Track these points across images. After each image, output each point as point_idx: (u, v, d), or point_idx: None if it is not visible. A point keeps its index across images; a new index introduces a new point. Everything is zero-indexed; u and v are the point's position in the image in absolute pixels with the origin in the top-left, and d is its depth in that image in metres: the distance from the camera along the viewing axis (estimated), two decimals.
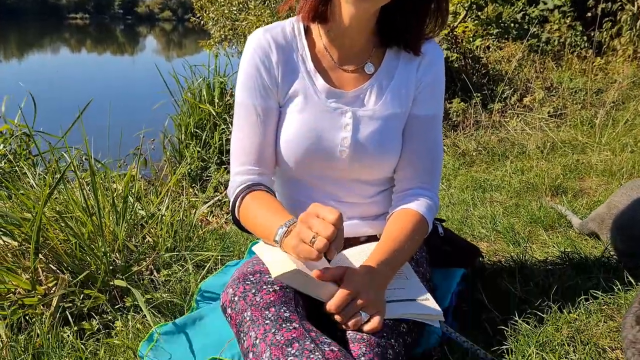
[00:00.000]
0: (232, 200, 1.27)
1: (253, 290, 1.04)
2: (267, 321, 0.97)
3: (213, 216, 3.05)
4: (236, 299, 1.03)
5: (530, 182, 2.45)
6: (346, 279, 1.07)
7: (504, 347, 1.23)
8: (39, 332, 1.35)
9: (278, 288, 1.05)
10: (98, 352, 1.31)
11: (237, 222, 1.28)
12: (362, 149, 1.24)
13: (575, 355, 1.18)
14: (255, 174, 1.28)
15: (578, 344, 1.22)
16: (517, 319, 1.31)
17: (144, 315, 1.48)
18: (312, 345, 0.91)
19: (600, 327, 1.27)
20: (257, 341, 0.94)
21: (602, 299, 1.39)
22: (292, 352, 0.90)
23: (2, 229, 1.61)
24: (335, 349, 0.92)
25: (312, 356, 0.89)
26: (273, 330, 0.95)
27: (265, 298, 1.02)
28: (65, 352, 1.30)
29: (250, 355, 0.94)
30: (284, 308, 1.00)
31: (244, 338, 0.98)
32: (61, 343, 1.35)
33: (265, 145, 1.26)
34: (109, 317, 1.50)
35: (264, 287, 1.04)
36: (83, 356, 1.27)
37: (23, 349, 1.31)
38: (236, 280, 1.07)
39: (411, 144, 1.29)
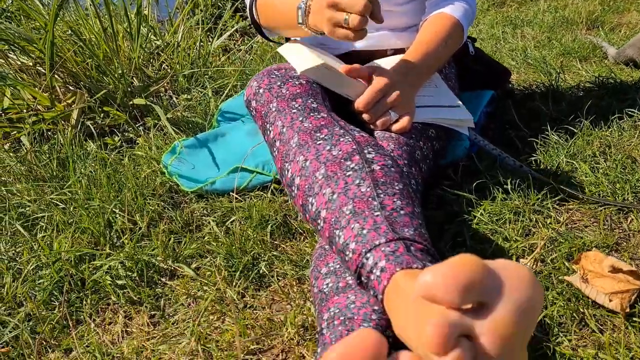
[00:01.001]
0: (248, 4, 1.19)
1: (278, 83, 0.99)
2: (294, 110, 0.93)
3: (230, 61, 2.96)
4: (261, 91, 0.99)
5: (565, 17, 2.30)
6: (376, 77, 1.02)
7: (532, 157, 1.20)
8: (62, 141, 1.34)
9: (304, 82, 1.00)
10: (122, 161, 1.31)
11: (258, 28, 1.21)
12: None
13: (606, 164, 1.15)
14: None
15: (609, 156, 1.19)
16: (547, 133, 1.27)
17: (165, 133, 1.47)
18: (342, 131, 0.88)
19: (633, 141, 1.24)
20: (284, 129, 0.92)
21: (637, 117, 1.33)
22: (321, 136, 0.87)
23: (15, 46, 1.56)
24: (366, 135, 0.89)
25: (342, 139, 0.86)
26: (300, 119, 0.92)
27: (291, 90, 0.98)
28: (89, 160, 1.30)
29: (277, 143, 0.92)
30: (311, 99, 0.96)
31: (270, 129, 0.95)
32: (85, 152, 1.35)
33: None
34: (131, 135, 1.49)
35: (290, 80, 1.00)
36: (107, 161, 1.27)
37: (47, 157, 1.31)
38: (260, 75, 1.02)
39: None
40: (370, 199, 0.77)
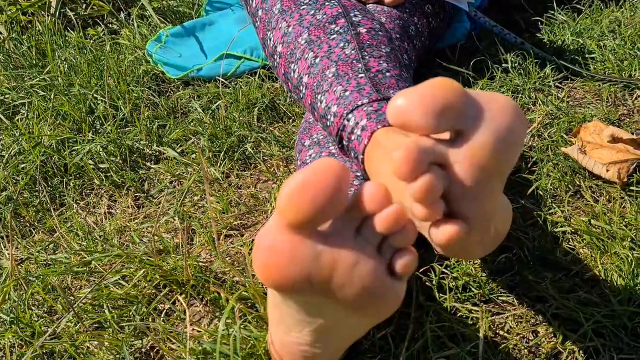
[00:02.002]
0: None
1: None
2: None
3: None
4: None
5: None
6: None
7: (537, 37, 1.13)
8: (41, 29, 1.28)
9: None
10: (104, 49, 1.25)
11: None
12: None
13: (614, 42, 1.08)
14: None
15: (618, 34, 1.11)
16: (553, 13, 1.19)
17: (151, 23, 1.39)
18: None
19: None
20: None
21: None
22: (305, 1, 0.80)
23: None
24: (353, 0, 0.82)
25: (327, 4, 0.79)
26: None
27: None
28: (70, 49, 1.25)
29: (260, 12, 0.86)
30: None
31: None
32: (66, 41, 1.29)
33: None
34: (115, 27, 1.42)
35: None
36: (87, 46, 1.21)
37: (26, 46, 1.25)
38: None
39: None
40: (354, 61, 0.71)
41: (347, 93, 0.68)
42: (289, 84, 0.78)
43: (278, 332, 0.55)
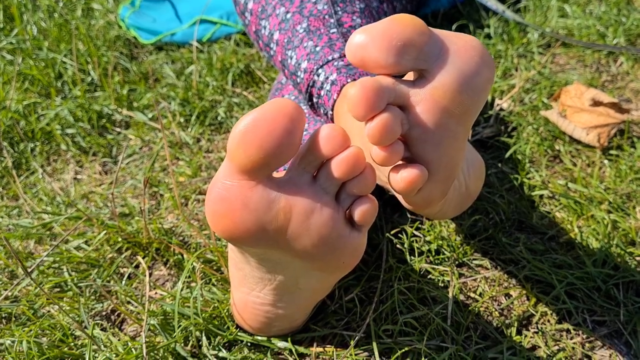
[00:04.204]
0: None
1: None
2: None
3: None
4: None
5: None
6: None
7: (521, 4, 1.10)
8: None
9: None
10: (75, 13, 1.21)
11: None
12: None
13: (600, 9, 1.06)
14: None
15: (603, 1, 1.09)
16: None
17: None
18: None
19: None
20: None
21: None
22: None
23: None
24: None
25: None
26: None
27: None
28: (40, 13, 1.20)
29: None
30: None
31: None
32: (35, 5, 1.24)
33: None
34: None
35: None
36: (57, 11, 1.17)
37: None
38: None
39: None
40: (327, 16, 0.68)
41: (317, 48, 0.65)
42: (260, 42, 0.75)
43: (240, 293, 0.53)
